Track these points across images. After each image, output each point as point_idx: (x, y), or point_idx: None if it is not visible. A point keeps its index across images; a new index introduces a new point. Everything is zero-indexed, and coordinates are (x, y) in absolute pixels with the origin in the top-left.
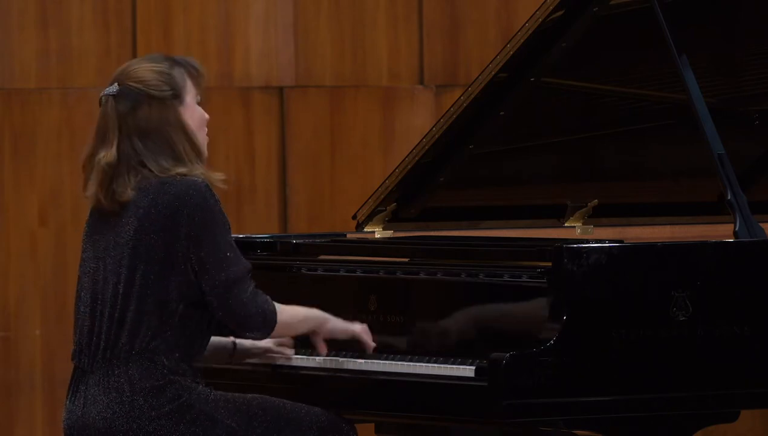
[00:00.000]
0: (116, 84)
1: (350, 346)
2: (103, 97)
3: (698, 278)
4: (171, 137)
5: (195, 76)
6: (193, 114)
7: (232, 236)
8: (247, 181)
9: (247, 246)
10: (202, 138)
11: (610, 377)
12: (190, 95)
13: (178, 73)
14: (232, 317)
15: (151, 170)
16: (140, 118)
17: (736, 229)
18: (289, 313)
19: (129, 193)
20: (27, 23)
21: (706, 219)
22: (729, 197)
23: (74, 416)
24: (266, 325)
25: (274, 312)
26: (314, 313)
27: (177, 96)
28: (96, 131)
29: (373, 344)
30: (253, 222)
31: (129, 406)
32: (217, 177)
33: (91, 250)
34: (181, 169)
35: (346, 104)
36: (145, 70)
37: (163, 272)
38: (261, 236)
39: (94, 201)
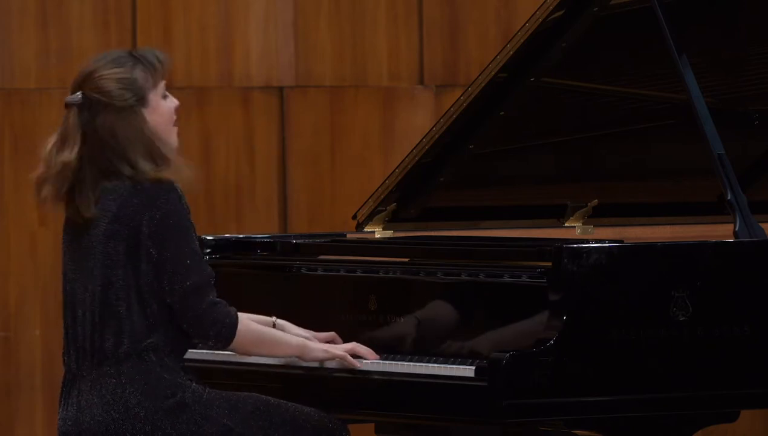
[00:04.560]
0: (80, 93)
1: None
2: (66, 103)
3: (698, 278)
4: (136, 142)
5: (158, 69)
6: (161, 111)
7: (225, 235)
8: (247, 181)
9: (247, 246)
10: (171, 133)
11: (610, 377)
12: (154, 93)
13: (140, 73)
14: (188, 325)
15: (121, 173)
16: (104, 127)
17: (736, 229)
18: (256, 332)
19: (93, 210)
20: (27, 23)
21: (706, 219)
22: (729, 197)
23: (69, 423)
24: (220, 337)
25: (232, 326)
26: (294, 342)
27: (141, 99)
28: (59, 135)
29: (357, 365)
30: (253, 222)
31: (124, 408)
32: (187, 169)
33: (69, 254)
34: (150, 169)
35: (346, 104)
36: (108, 78)
37: (134, 273)
38: (261, 235)
39: (64, 210)
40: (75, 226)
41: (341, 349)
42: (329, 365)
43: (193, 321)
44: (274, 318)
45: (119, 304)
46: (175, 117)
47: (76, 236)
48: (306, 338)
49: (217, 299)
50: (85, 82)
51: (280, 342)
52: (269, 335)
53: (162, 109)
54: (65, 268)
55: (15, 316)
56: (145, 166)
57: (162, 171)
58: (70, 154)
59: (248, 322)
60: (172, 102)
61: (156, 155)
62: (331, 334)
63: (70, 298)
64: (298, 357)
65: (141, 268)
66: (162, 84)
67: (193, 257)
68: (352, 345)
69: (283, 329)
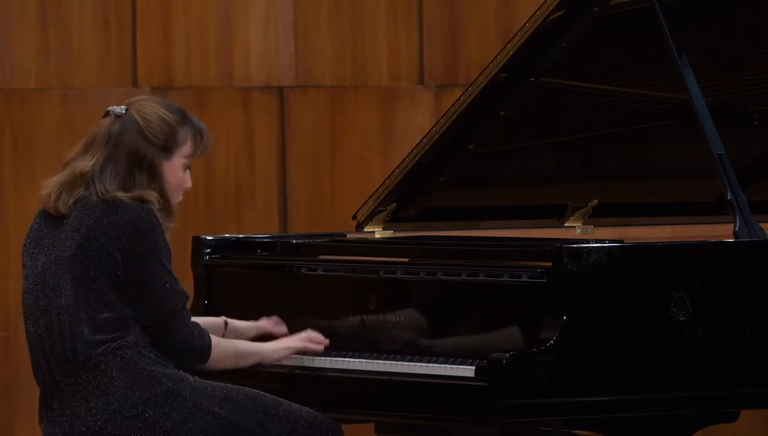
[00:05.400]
0: (125, 107)
1: (349, 346)
2: (108, 111)
3: (698, 278)
4: (135, 174)
5: (198, 142)
6: (174, 175)
7: (236, 234)
8: (247, 181)
9: (247, 246)
10: (176, 196)
11: (610, 377)
12: (180, 157)
13: (183, 131)
14: (167, 348)
15: (104, 189)
16: (123, 146)
17: (736, 229)
18: (224, 349)
19: (68, 206)
20: (27, 23)
21: (706, 219)
22: (729, 197)
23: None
24: (198, 359)
25: (208, 347)
26: (254, 351)
27: (166, 149)
28: (86, 139)
29: (319, 348)
30: (253, 222)
31: (112, 408)
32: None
33: (30, 265)
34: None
35: (346, 104)
36: (154, 111)
37: (109, 286)
38: (261, 235)
39: (44, 199)
40: (40, 233)
41: (297, 339)
42: (329, 365)
43: (173, 346)
44: (223, 318)
45: (89, 316)
46: (181, 195)
47: (40, 246)
48: (258, 327)
49: (192, 322)
50: (134, 103)
51: (248, 355)
52: (235, 350)
53: (178, 174)
54: (26, 280)
55: (15, 316)
56: (141, 192)
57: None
58: (87, 163)
59: (217, 340)
60: (189, 179)
61: (166, 202)
62: (274, 318)
63: (33, 311)
64: (260, 363)
65: (118, 284)
66: (190, 160)
67: (171, 279)
68: (307, 335)
69: (235, 329)
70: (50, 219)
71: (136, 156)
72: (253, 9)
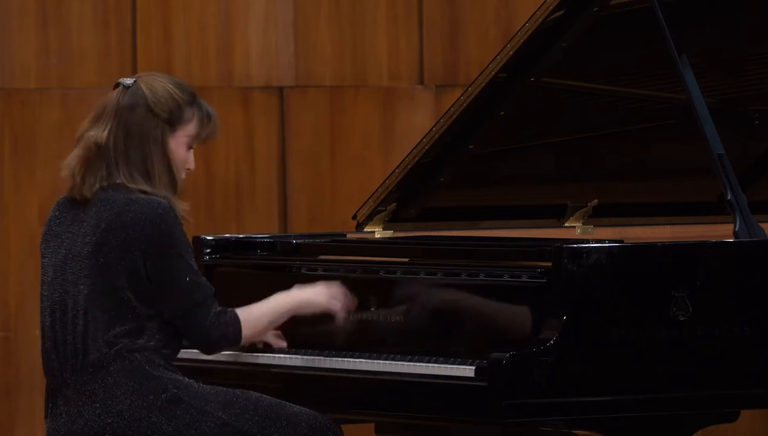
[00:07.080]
0: (135, 80)
1: (349, 346)
2: (119, 83)
3: (698, 278)
4: (148, 152)
5: (204, 125)
6: (179, 151)
7: (247, 236)
8: (247, 181)
9: (247, 246)
10: (180, 173)
11: (610, 377)
12: (184, 135)
13: (189, 110)
14: (194, 341)
15: (119, 175)
16: (132, 119)
17: (736, 229)
18: (254, 322)
19: (93, 190)
20: (27, 23)
21: (706, 219)
22: (729, 197)
23: (60, 433)
24: (230, 345)
25: (238, 331)
26: (284, 306)
27: (170, 123)
28: (95, 110)
29: (342, 312)
30: (253, 222)
31: (116, 411)
32: (182, 206)
33: (50, 257)
34: (147, 188)
35: (346, 104)
36: (163, 86)
37: (127, 283)
38: (261, 235)
39: (69, 182)
40: (68, 211)
41: (340, 304)
42: (329, 365)
43: (201, 338)
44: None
45: (107, 312)
46: (183, 174)
47: (59, 239)
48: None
49: (218, 309)
50: (144, 76)
51: (278, 312)
52: (264, 313)
53: (181, 151)
54: (45, 272)
55: (15, 316)
56: (155, 180)
57: (161, 191)
58: (102, 134)
59: (245, 315)
60: (192, 161)
61: (170, 175)
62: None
63: (49, 303)
64: (295, 314)
65: (137, 281)
66: (194, 141)
67: (193, 273)
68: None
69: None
70: (71, 207)
71: (144, 130)
72: (253, 9)
